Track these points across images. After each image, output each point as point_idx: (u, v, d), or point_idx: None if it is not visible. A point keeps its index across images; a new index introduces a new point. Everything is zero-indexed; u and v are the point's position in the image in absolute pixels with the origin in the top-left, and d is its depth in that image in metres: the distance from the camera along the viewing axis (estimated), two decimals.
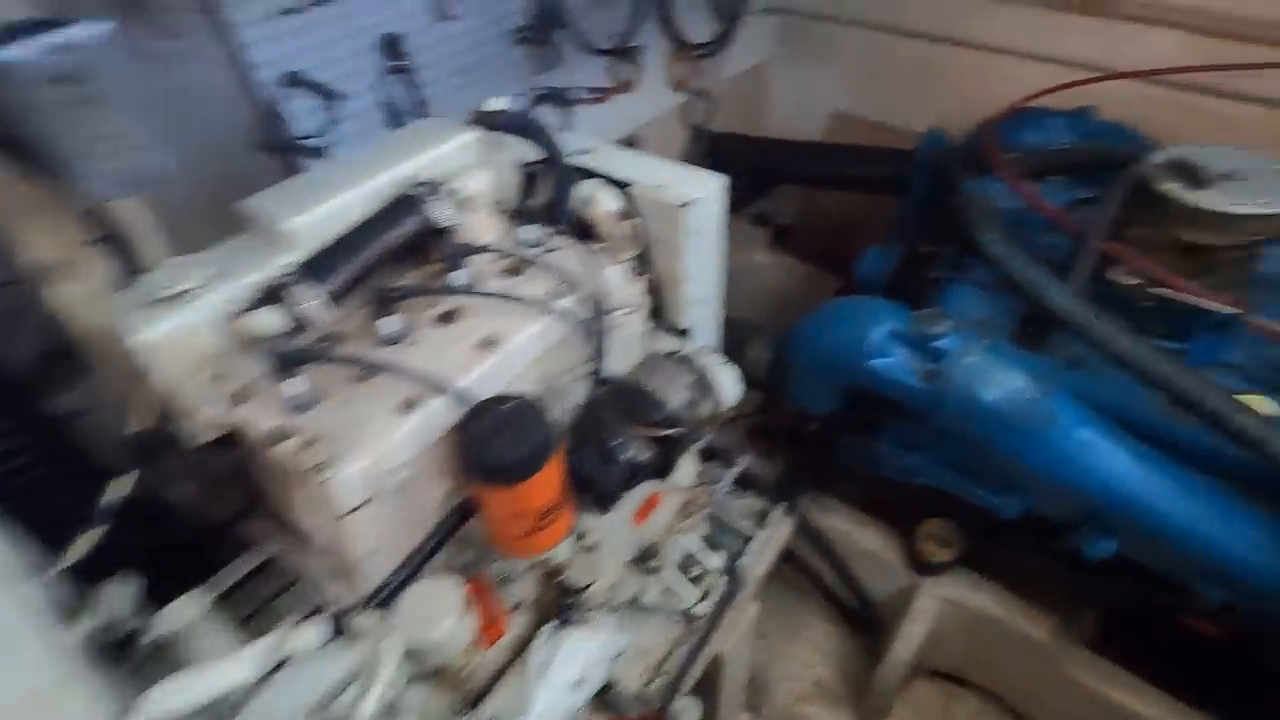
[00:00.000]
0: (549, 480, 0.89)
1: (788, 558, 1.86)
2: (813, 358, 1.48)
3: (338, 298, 0.93)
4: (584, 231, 1.22)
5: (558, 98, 2.16)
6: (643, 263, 1.27)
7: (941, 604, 1.81)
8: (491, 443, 0.86)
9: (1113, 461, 1.26)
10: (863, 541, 1.90)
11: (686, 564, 1.42)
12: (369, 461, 0.83)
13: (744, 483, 1.75)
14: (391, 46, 1.75)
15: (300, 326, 0.89)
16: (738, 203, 2.92)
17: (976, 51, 2.44)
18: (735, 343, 1.66)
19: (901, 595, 1.87)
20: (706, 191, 1.21)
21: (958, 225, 1.58)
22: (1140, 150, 1.85)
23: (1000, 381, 1.28)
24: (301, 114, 1.64)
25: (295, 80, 1.59)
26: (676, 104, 2.59)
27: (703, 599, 1.41)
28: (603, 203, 1.20)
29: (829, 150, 2.57)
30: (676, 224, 1.18)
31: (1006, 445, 1.31)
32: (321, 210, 0.97)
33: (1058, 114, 1.95)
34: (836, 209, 2.88)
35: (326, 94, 1.63)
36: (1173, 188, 1.37)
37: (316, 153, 1.68)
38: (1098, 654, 1.68)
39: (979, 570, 1.81)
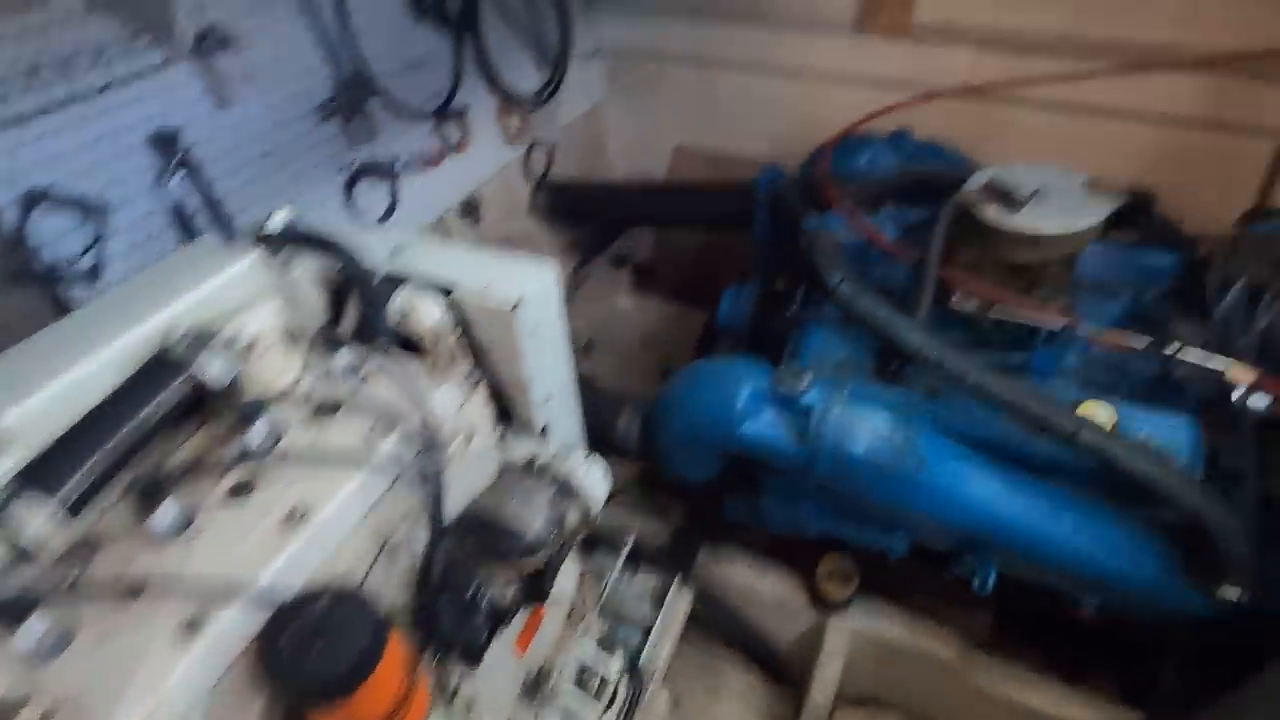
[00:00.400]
0: (386, 680, 0.75)
1: (694, 616, 1.78)
2: (681, 429, 1.41)
3: (77, 505, 0.74)
4: (408, 345, 1.09)
5: (381, 170, 2.00)
6: (480, 368, 1.15)
7: (851, 638, 1.79)
8: (304, 656, 0.70)
9: (983, 494, 1.28)
10: (765, 590, 1.86)
11: (584, 677, 1.30)
12: None
13: (635, 557, 1.65)
14: (166, 143, 1.53)
15: (24, 554, 0.70)
16: (595, 246, 2.88)
17: (792, 79, 2.51)
18: (602, 418, 1.56)
19: (812, 635, 1.84)
20: (538, 284, 1.10)
21: (805, 266, 1.57)
22: (958, 166, 1.96)
23: (867, 432, 1.27)
24: (58, 236, 1.39)
25: (40, 197, 1.34)
26: (514, 158, 2.49)
27: (607, 709, 1.30)
28: (423, 314, 1.07)
29: (672, 191, 2.56)
30: (510, 327, 1.07)
31: (882, 493, 1.30)
32: (43, 395, 0.77)
33: (880, 139, 2.02)
34: (694, 242, 2.88)
35: (85, 208, 1.39)
36: (992, 213, 1.43)
37: (88, 276, 1.43)
38: (995, 653, 1.72)
39: (882, 594, 1.81)
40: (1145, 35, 2.05)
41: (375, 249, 1.16)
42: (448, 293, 1.09)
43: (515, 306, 1.06)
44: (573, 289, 2.68)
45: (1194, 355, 1.33)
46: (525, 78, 2.44)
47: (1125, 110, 2.15)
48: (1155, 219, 1.75)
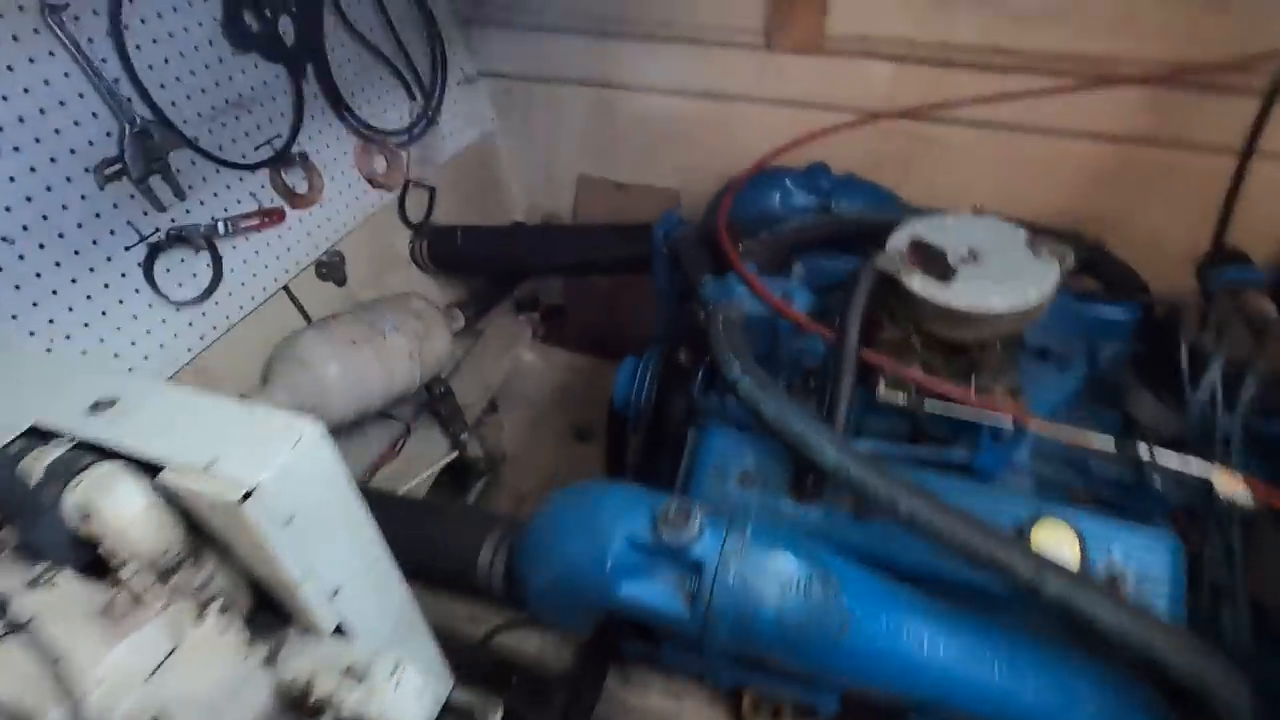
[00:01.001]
0: None
1: None
2: (549, 580, 1.10)
3: None
4: (97, 563, 0.75)
5: (194, 238, 1.63)
6: (227, 564, 0.81)
7: None
8: None
9: (927, 655, 1.00)
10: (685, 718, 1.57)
11: None
12: None
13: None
14: None
15: None
16: (494, 294, 2.55)
17: (701, 100, 2.22)
18: (459, 551, 1.24)
19: None
20: (291, 457, 0.77)
21: (704, 346, 1.28)
22: (882, 205, 1.70)
23: (776, 587, 0.98)
24: None
25: None
26: (384, 204, 2.14)
27: None
28: (111, 513, 0.73)
29: (569, 234, 2.23)
30: (243, 522, 0.75)
31: (799, 660, 1.01)
32: None
33: (793, 174, 1.74)
34: (608, 282, 2.57)
35: None
36: (918, 283, 1.15)
37: None
38: None
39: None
40: (1077, 46, 1.84)
41: (64, 405, 0.81)
42: (155, 474, 0.76)
43: (246, 496, 0.72)
44: (470, 344, 2.34)
45: (1171, 459, 1.08)
46: (391, 111, 2.10)
47: (1061, 127, 1.93)
48: (1109, 263, 1.52)
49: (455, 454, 1.96)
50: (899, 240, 1.25)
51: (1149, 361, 1.29)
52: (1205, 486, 1.09)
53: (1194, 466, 1.07)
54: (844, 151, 1.83)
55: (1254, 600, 1.16)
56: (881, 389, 1.20)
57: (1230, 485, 1.04)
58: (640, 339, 1.80)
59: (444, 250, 2.20)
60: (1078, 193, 2.04)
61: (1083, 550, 1.06)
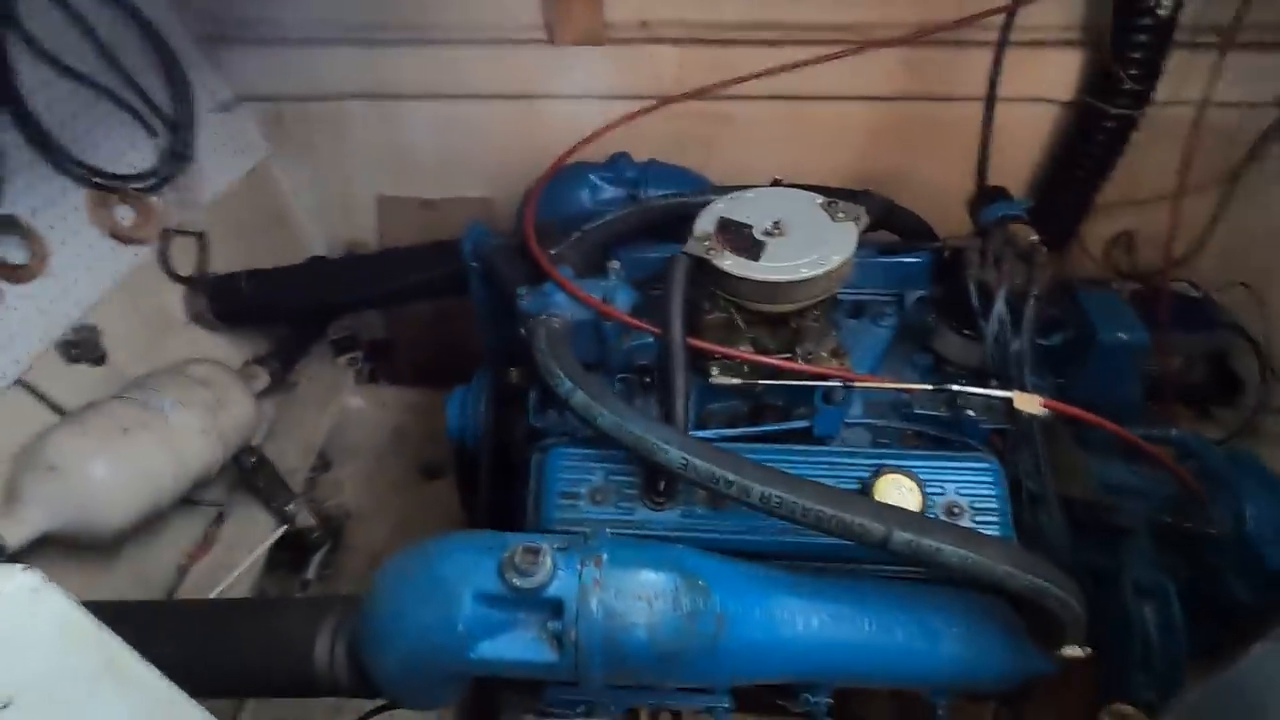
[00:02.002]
0: None
1: None
2: (399, 661, 0.97)
3: None
4: None
5: None
6: None
7: None
8: None
9: (803, 634, 1.00)
10: None
11: None
12: None
13: None
14: None
15: None
16: (302, 341, 2.28)
17: (496, 102, 2.12)
18: (289, 649, 1.07)
19: None
20: None
21: (530, 363, 1.19)
22: (688, 186, 1.70)
23: (643, 608, 0.92)
24: None
25: None
26: (140, 262, 1.82)
27: None
28: None
29: (375, 262, 2.04)
30: None
31: (681, 674, 0.97)
32: None
33: (597, 168, 1.69)
34: (432, 306, 2.38)
35: None
36: (730, 263, 1.14)
37: None
38: None
39: None
40: (836, 16, 1.95)
41: None
42: None
43: None
44: (282, 401, 2.08)
45: (977, 390, 1.16)
46: (130, 153, 1.80)
47: (838, 93, 2.05)
48: (900, 214, 1.61)
49: (284, 528, 1.72)
50: (705, 222, 1.23)
51: (946, 301, 1.39)
52: (1009, 407, 1.18)
53: (997, 392, 1.15)
54: (645, 138, 1.81)
55: (1061, 497, 1.28)
56: (715, 374, 1.18)
57: (1027, 403, 1.12)
58: (479, 361, 1.69)
59: (229, 302, 1.93)
60: (862, 152, 2.19)
61: (921, 492, 1.10)
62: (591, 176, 1.67)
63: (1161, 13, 1.70)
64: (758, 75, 1.74)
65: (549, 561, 0.91)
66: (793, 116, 2.10)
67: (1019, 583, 0.97)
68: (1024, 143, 2.12)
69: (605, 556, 0.94)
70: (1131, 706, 1.39)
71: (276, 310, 2.00)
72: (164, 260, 1.88)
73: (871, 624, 1.02)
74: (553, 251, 1.37)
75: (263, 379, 1.92)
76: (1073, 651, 1.07)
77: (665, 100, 1.75)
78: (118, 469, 1.38)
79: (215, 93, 2.04)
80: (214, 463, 1.61)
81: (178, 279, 1.91)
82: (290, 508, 1.72)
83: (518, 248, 1.49)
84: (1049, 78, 1.99)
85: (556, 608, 0.91)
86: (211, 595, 1.56)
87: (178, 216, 1.90)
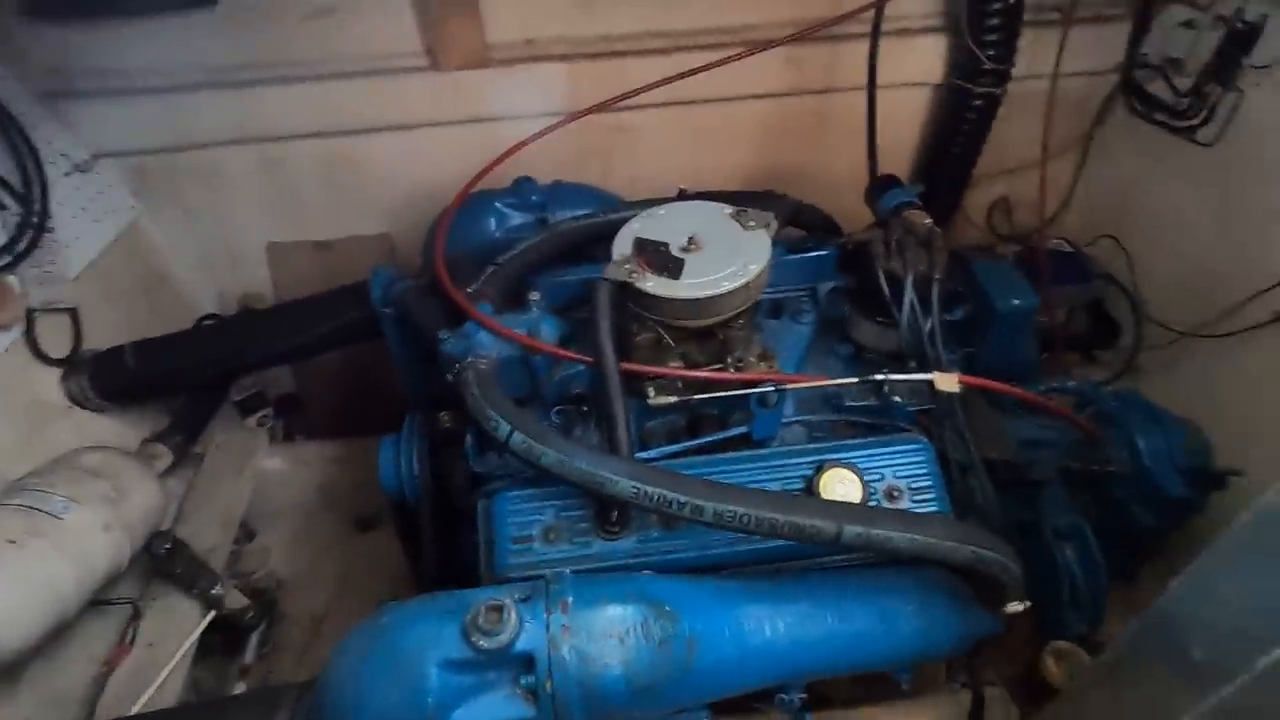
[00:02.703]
0: None
1: None
2: None
3: None
4: None
5: None
6: None
7: None
8: None
9: (771, 639, 1.02)
10: None
11: None
12: None
13: None
14: None
15: None
16: (204, 408, 2.12)
17: (385, 134, 2.04)
18: None
19: None
20: None
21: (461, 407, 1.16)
22: (598, 204, 1.69)
23: (616, 646, 0.91)
24: None
25: None
26: (4, 348, 1.64)
27: None
28: None
29: (274, 316, 1.92)
30: None
31: (659, 704, 0.97)
32: None
33: (502, 195, 1.66)
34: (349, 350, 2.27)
35: None
36: (652, 284, 1.15)
37: None
38: None
39: None
40: (717, 21, 2.00)
41: None
42: None
43: None
44: (191, 476, 1.92)
45: (899, 375, 1.21)
46: None
47: (731, 94, 2.10)
48: (805, 211, 1.67)
49: (211, 614, 1.60)
50: (623, 245, 1.23)
51: (858, 292, 1.45)
52: (930, 388, 1.24)
53: (918, 376, 1.21)
54: (546, 158, 1.79)
55: (985, 461, 1.36)
56: (651, 395, 1.19)
57: (946, 383, 1.19)
58: (401, 401, 1.62)
59: (114, 379, 1.77)
60: (759, 150, 2.25)
61: (862, 482, 1.15)
62: (497, 204, 1.64)
63: None
64: (654, 85, 1.74)
65: (514, 616, 0.89)
66: (688, 121, 2.13)
67: (962, 555, 1.03)
68: (905, 126, 2.24)
69: (571, 599, 0.93)
70: (1068, 642, 1.51)
71: (170, 380, 1.85)
72: (32, 344, 1.70)
73: (833, 617, 1.06)
74: (469, 289, 1.33)
75: (165, 457, 1.77)
76: (1015, 607, 1.14)
77: (572, 116, 1.73)
78: (9, 588, 1.24)
79: (68, 153, 1.86)
80: (122, 559, 1.47)
81: (51, 362, 1.74)
82: (215, 590, 1.60)
83: (430, 287, 1.45)
84: (919, 64, 2.11)
85: (528, 662, 0.89)
86: (138, 704, 1.43)
87: (41, 294, 1.73)
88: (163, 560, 1.60)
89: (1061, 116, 2.11)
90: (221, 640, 1.79)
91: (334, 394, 2.28)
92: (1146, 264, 2.12)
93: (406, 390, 1.58)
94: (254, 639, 1.78)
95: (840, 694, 1.59)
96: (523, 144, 1.71)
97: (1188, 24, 1.93)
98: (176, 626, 1.59)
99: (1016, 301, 1.55)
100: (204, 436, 2.01)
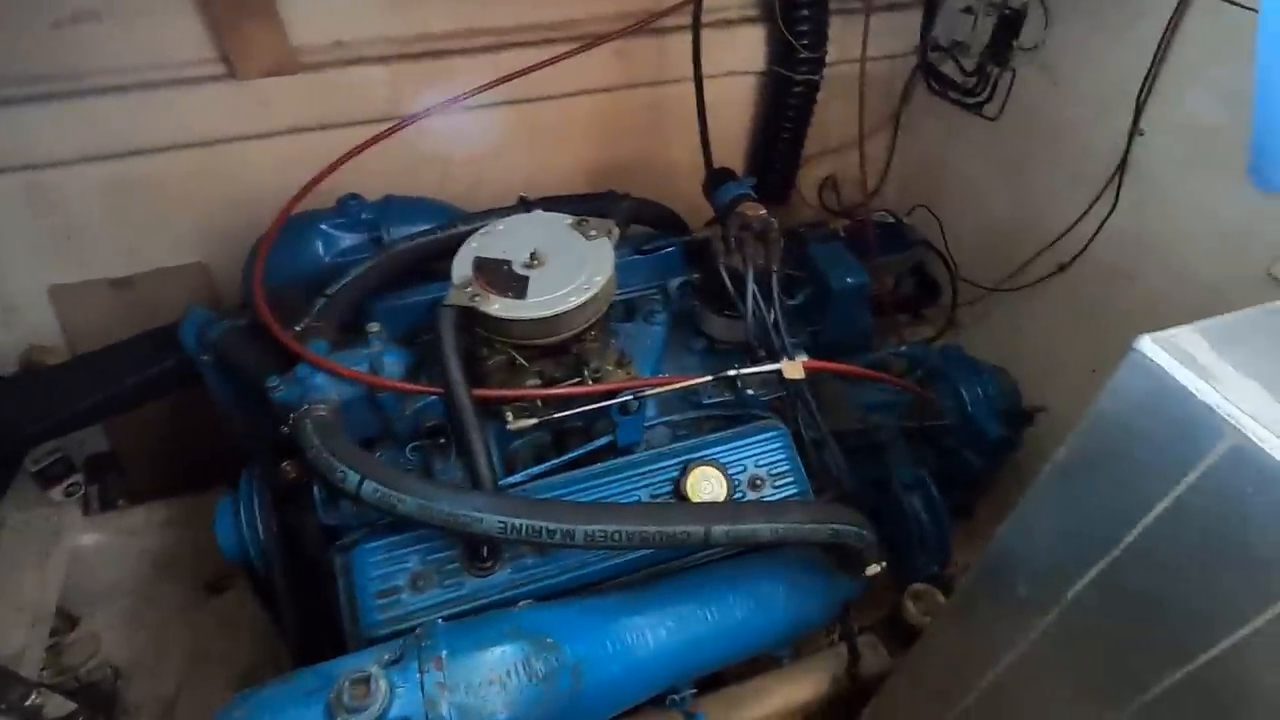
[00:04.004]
0: None
1: None
2: None
3: None
4: None
5: None
6: None
7: None
8: None
9: (655, 649, 1.03)
10: None
11: None
12: None
13: None
14: None
15: None
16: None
17: (184, 152, 1.81)
18: None
19: None
20: None
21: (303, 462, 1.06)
22: (436, 217, 1.60)
23: (499, 690, 0.88)
24: None
25: None
26: None
27: None
28: None
29: (69, 372, 1.65)
30: None
31: None
32: None
33: (325, 215, 1.53)
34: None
35: None
36: (498, 307, 1.11)
37: None
38: None
39: None
40: (538, 17, 1.95)
41: None
42: None
43: None
44: None
45: (750, 368, 1.26)
46: None
47: (563, 91, 2.06)
48: (648, 208, 1.68)
49: None
50: (462, 266, 1.18)
51: (705, 288, 1.49)
52: (780, 377, 1.30)
53: (768, 367, 1.26)
54: (376, 171, 1.66)
55: (834, 434, 1.45)
56: (511, 420, 1.15)
57: (793, 370, 1.25)
58: (233, 450, 1.46)
59: None
60: (600, 146, 2.23)
61: (726, 476, 1.18)
62: (323, 226, 1.51)
63: None
64: (487, 86, 1.67)
65: (382, 685, 0.83)
66: (525, 120, 2.07)
67: (823, 534, 1.09)
68: (736, 114, 2.32)
69: (444, 653, 0.89)
70: (924, 584, 1.66)
71: None
72: None
73: (713, 613, 1.09)
74: (298, 326, 1.22)
75: None
76: (874, 569, 1.23)
77: (401, 123, 1.61)
78: None
79: None
80: None
81: None
82: (32, 700, 1.38)
83: (253, 328, 1.31)
84: (742, 53, 2.19)
85: None
86: None
87: None
88: None
89: (873, 98, 2.27)
90: None
91: (158, 448, 2.01)
92: (956, 229, 2.35)
93: (240, 442, 1.43)
94: None
95: (730, 671, 1.66)
96: (347, 157, 1.59)
97: (967, 10, 2.13)
98: None
99: (850, 280, 1.66)
100: None
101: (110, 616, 1.81)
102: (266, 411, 1.17)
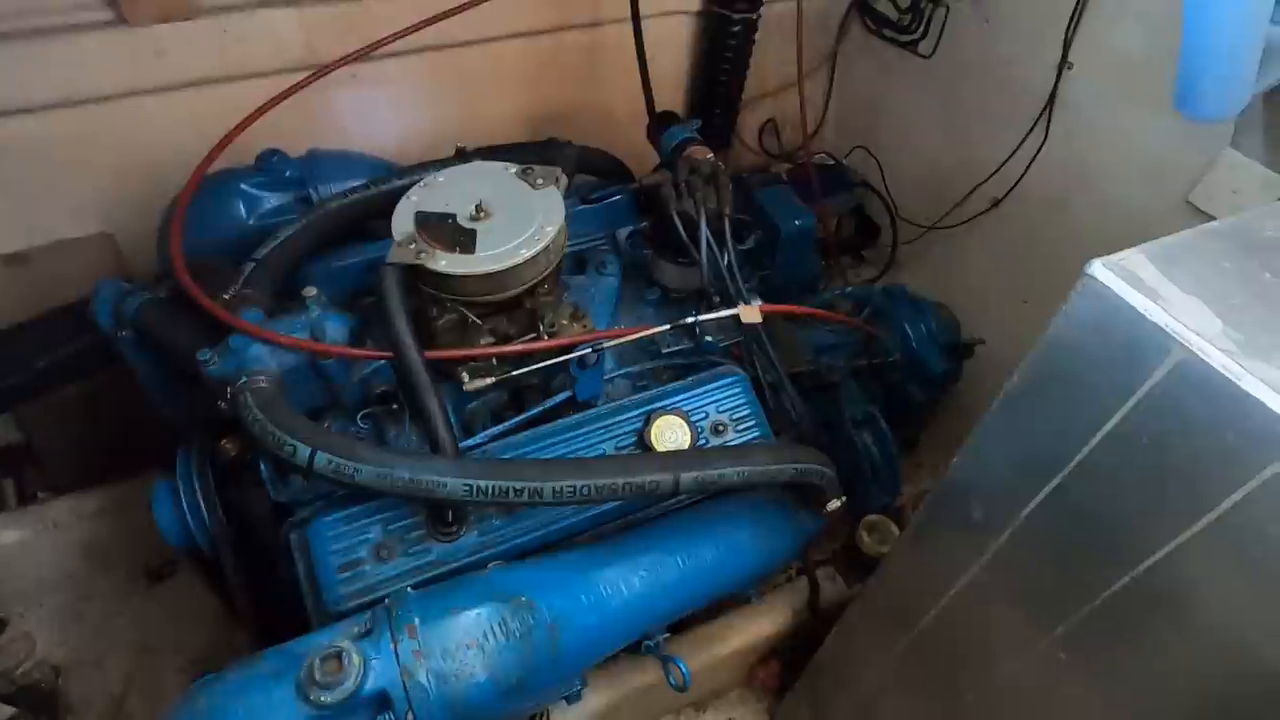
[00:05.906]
0: None
1: None
2: None
3: None
4: None
5: None
6: None
7: None
8: None
9: (630, 599, 1.03)
10: None
11: None
12: None
13: None
14: None
15: None
16: None
17: (70, 110, 1.63)
18: None
19: None
20: None
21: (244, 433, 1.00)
22: (368, 172, 1.50)
23: (476, 653, 0.87)
24: None
25: None
26: None
27: None
28: None
29: None
30: None
31: (536, 693, 0.95)
32: None
33: (245, 174, 1.42)
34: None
35: None
36: (445, 263, 1.05)
37: None
38: None
39: None
40: None
41: None
42: None
43: None
44: None
45: (707, 315, 1.25)
46: None
47: (492, 34, 1.95)
48: (593, 156, 1.62)
49: None
50: (403, 221, 1.11)
51: (657, 237, 1.46)
52: (737, 321, 1.30)
53: (724, 313, 1.25)
54: (296, 125, 1.54)
55: (790, 376, 1.47)
56: (467, 380, 1.11)
57: (750, 314, 1.25)
58: (163, 428, 1.36)
59: None
60: (535, 93, 2.13)
61: (689, 424, 1.18)
62: (244, 186, 1.40)
63: None
64: (411, 29, 1.55)
65: (355, 658, 0.80)
66: (454, 66, 1.95)
67: (787, 474, 1.11)
68: (672, 56, 2.25)
69: (417, 620, 0.86)
70: (877, 515, 1.73)
71: None
72: None
73: (684, 559, 1.10)
74: (227, 295, 1.13)
75: None
76: (834, 505, 1.27)
77: (318, 73, 1.48)
78: None
79: None
80: None
81: None
82: None
83: (176, 299, 1.21)
84: None
85: (383, 701, 0.82)
86: None
87: None
88: None
89: (810, 37, 2.24)
90: None
91: (79, 433, 1.87)
92: (894, 169, 2.37)
93: (170, 422, 1.34)
94: None
95: (698, 611, 1.70)
96: (261, 110, 1.45)
97: None
98: None
99: (798, 222, 1.65)
100: None
101: (44, 614, 1.70)
102: (199, 387, 1.09)
